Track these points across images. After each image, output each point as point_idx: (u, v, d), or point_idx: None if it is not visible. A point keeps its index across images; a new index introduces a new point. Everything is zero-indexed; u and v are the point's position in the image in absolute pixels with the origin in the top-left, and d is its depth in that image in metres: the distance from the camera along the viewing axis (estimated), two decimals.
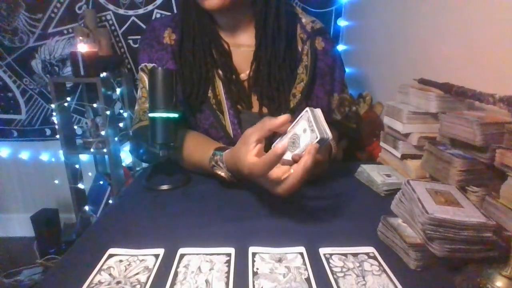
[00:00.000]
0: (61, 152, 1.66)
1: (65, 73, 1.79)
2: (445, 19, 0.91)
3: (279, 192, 0.56)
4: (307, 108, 0.59)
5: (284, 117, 0.57)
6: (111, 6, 1.71)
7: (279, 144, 0.57)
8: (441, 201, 0.49)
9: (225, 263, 0.46)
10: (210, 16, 0.81)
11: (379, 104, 1.26)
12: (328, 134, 0.56)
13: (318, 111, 0.60)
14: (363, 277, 0.44)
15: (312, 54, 0.82)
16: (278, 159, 0.52)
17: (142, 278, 0.44)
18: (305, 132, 0.57)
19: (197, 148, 0.75)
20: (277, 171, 0.55)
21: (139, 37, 1.72)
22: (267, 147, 0.67)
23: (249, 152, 0.56)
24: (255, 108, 0.82)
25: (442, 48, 0.92)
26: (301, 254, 0.48)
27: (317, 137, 0.55)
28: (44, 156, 1.92)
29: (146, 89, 0.81)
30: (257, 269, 0.45)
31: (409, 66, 1.10)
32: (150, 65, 0.82)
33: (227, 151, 0.66)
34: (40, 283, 0.44)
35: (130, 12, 1.72)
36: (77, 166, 1.73)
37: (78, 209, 1.72)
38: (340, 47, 1.73)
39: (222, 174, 0.67)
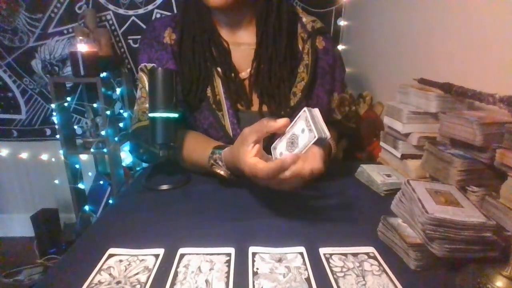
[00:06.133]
0: (61, 152, 1.65)
1: (65, 73, 1.78)
2: (445, 19, 0.91)
3: (282, 189, 0.56)
4: (305, 108, 0.59)
5: (283, 121, 0.57)
6: (111, 6, 1.71)
7: (286, 153, 0.57)
8: (441, 201, 0.49)
9: (225, 263, 0.46)
10: (211, 14, 0.81)
11: (379, 104, 1.26)
12: (326, 133, 0.56)
13: (316, 111, 0.60)
14: (363, 277, 0.44)
15: (313, 53, 0.83)
16: (285, 169, 0.52)
17: (142, 278, 0.44)
18: (303, 132, 0.57)
19: (196, 147, 0.75)
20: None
21: (139, 37, 1.72)
22: (267, 148, 0.67)
23: (247, 153, 0.56)
24: (255, 107, 0.82)
25: (442, 48, 0.92)
26: (301, 254, 0.48)
27: (315, 137, 0.55)
28: (44, 156, 1.92)
29: (146, 89, 0.81)
30: (257, 269, 0.45)
31: (409, 66, 1.10)
32: (150, 65, 0.81)
33: (226, 149, 0.66)
34: (40, 283, 0.44)
35: (130, 12, 1.72)
36: (77, 166, 1.72)
37: (78, 209, 1.72)
38: (340, 47, 1.73)
39: (221, 172, 0.67)
